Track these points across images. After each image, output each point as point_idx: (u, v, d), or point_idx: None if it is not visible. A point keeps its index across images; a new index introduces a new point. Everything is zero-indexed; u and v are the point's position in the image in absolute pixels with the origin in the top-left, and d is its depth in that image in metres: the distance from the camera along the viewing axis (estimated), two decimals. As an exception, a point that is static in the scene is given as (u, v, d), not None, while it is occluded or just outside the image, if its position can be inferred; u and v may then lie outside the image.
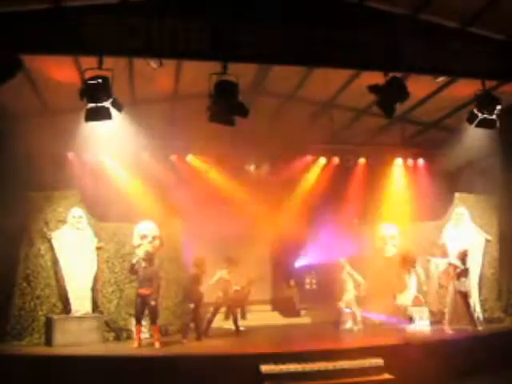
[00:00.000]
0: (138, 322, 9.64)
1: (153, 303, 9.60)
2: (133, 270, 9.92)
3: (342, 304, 11.26)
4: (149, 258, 9.93)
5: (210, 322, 10.83)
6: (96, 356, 8.75)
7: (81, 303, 10.24)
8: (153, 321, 9.71)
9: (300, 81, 10.49)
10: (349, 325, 11.17)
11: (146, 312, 9.73)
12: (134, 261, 10.02)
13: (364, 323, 11.28)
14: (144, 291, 9.59)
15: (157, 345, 9.38)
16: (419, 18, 8.87)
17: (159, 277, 10.01)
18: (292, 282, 14.32)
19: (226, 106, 8.15)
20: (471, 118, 9.22)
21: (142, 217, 11.31)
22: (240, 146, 12.23)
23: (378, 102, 8.83)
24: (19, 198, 10.03)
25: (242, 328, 11.37)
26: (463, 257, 10.43)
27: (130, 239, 11.13)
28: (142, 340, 9.57)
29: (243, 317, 12.65)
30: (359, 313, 11.29)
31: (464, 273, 10.35)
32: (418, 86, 9.53)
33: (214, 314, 10.98)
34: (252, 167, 13.15)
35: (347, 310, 11.26)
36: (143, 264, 9.82)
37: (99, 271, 10.68)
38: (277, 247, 14.46)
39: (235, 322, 11.15)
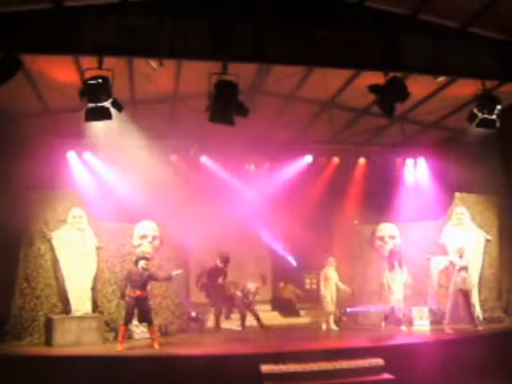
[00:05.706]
0: (126, 324, 9.36)
1: (147, 304, 9.51)
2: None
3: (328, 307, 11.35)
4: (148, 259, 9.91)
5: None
6: (96, 356, 8.74)
7: (81, 303, 10.23)
8: (150, 322, 9.50)
9: (300, 81, 10.48)
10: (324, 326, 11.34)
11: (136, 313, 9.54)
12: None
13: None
14: (140, 293, 9.38)
15: (156, 345, 9.32)
16: (419, 17, 8.87)
17: (155, 278, 9.82)
18: (282, 285, 14.29)
19: (225, 105, 8.15)
20: (471, 118, 9.22)
21: (141, 217, 11.32)
22: (240, 146, 12.23)
23: (378, 101, 8.84)
24: (19, 198, 10.04)
25: (240, 328, 11.39)
26: (461, 253, 10.46)
27: (130, 239, 11.15)
28: (124, 343, 9.19)
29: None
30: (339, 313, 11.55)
31: (463, 269, 10.36)
32: (418, 86, 9.52)
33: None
34: (252, 167, 13.15)
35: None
36: (145, 266, 9.63)
37: (99, 271, 10.67)
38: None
39: (258, 319, 11.45)
